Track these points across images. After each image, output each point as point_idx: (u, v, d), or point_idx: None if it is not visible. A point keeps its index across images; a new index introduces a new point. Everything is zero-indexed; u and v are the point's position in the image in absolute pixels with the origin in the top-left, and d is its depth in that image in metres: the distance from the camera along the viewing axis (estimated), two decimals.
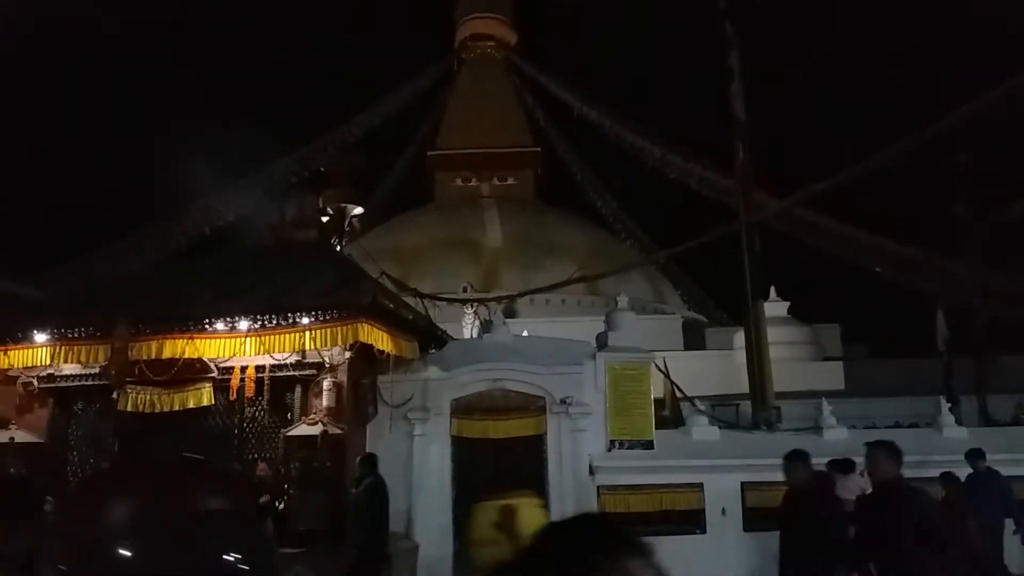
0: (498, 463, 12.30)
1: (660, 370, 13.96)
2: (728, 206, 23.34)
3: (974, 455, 10.60)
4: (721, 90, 15.91)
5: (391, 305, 12.31)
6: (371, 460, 10.98)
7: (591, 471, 12.10)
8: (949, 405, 13.53)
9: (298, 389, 12.51)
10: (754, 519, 11.88)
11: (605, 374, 12.46)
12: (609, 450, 12.29)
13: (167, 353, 11.89)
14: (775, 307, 23.16)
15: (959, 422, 13.34)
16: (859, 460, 11.85)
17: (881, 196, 29.12)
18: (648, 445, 12.35)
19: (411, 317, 12.89)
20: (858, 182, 14.30)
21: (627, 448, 12.26)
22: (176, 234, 25.53)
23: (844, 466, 9.82)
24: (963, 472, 10.45)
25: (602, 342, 12.95)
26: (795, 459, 7.22)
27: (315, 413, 12.40)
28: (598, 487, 11.95)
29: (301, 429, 12.26)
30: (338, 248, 15.20)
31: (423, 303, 14.78)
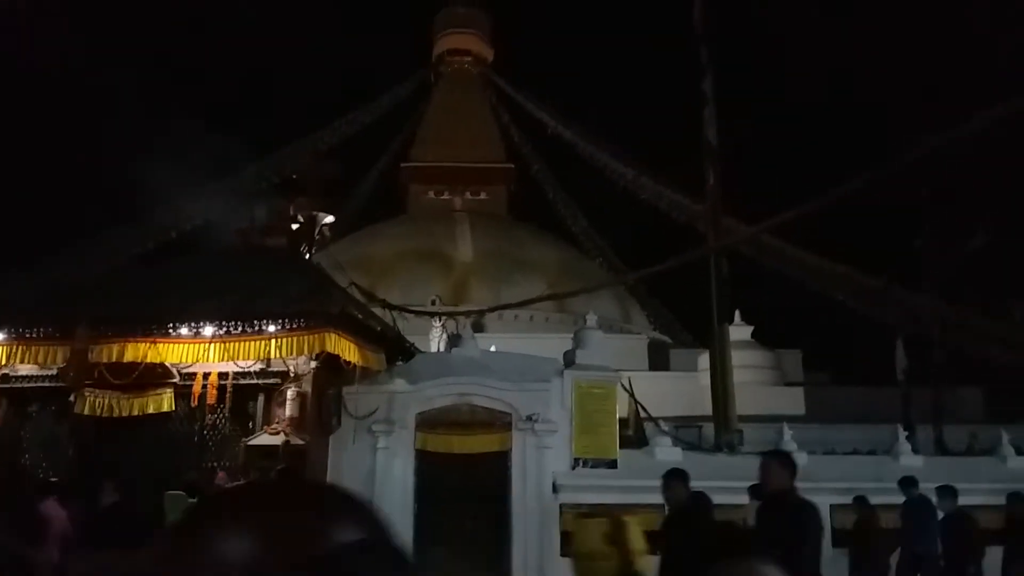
0: (462, 478, 12.25)
1: (626, 389, 14.04)
2: (697, 229, 23.69)
3: (907, 483, 10.66)
4: (695, 114, 16.21)
5: (359, 316, 12.25)
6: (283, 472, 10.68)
7: (555, 489, 12.10)
8: (906, 434, 13.80)
9: (261, 398, 12.37)
10: None
11: (572, 392, 12.49)
12: (573, 468, 12.30)
13: (129, 356, 11.70)
14: (739, 331, 23.41)
15: (915, 451, 13.60)
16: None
17: (847, 225, 29.77)
18: (612, 464, 12.39)
19: (379, 328, 12.84)
20: (825, 211, 14.60)
21: (591, 467, 12.29)
22: (142, 237, 25.13)
23: (757, 492, 9.80)
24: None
25: (570, 360, 13.00)
26: (674, 478, 6.92)
27: (277, 423, 12.26)
28: (561, 505, 11.93)
29: (263, 439, 12.11)
30: (307, 256, 15.11)
31: (392, 315, 14.71)
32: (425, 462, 12.55)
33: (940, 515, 10.25)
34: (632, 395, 14.38)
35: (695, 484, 12.43)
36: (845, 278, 22.75)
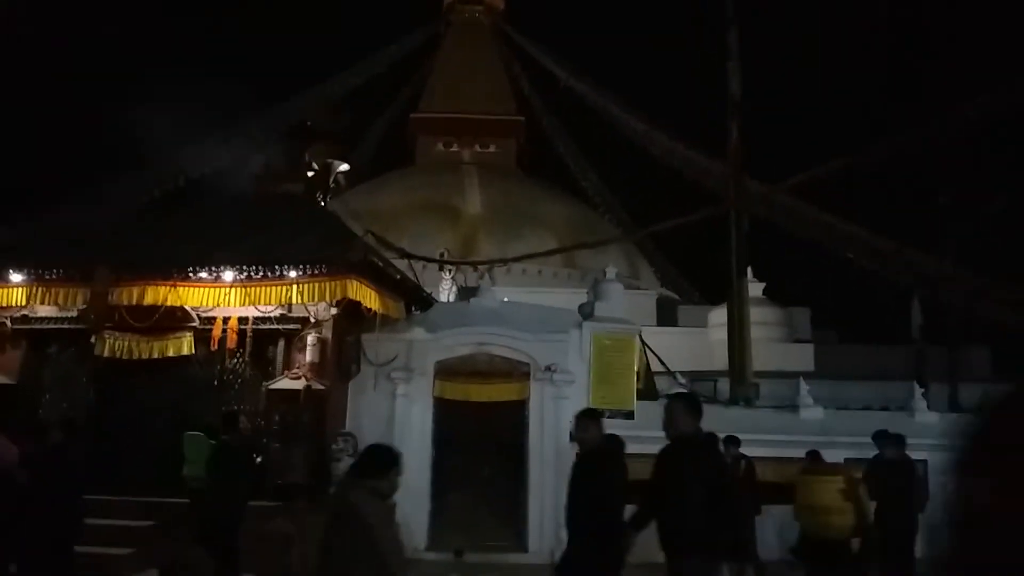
0: (480, 426, 12.35)
1: (643, 343, 14.07)
2: (709, 187, 23.51)
3: (880, 437, 10.42)
4: (718, 68, 15.93)
5: (380, 263, 12.21)
6: (228, 419, 9.95)
7: (571, 438, 12.18)
8: (923, 390, 13.88)
9: (281, 343, 12.40)
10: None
11: (590, 343, 12.51)
12: None
13: (149, 300, 11.69)
14: (751, 287, 23.36)
15: (930, 408, 13.68)
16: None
17: (868, 185, 29.49)
18: (629, 415, 12.47)
19: (399, 277, 12.80)
20: (846, 171, 14.50)
21: (608, 417, 12.34)
22: (157, 182, 24.93)
23: None
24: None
25: (588, 312, 13.00)
26: (587, 417, 6.71)
27: (298, 368, 12.31)
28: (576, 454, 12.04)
29: (283, 383, 12.18)
30: (324, 204, 15.01)
31: (411, 264, 14.67)
32: (443, 410, 12.66)
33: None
34: (649, 349, 14.42)
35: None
36: (859, 239, 22.62)
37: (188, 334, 12.38)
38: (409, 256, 15.19)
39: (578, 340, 12.62)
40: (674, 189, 28.80)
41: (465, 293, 17.18)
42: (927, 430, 12.02)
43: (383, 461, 4.19)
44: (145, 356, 12.35)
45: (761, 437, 11.86)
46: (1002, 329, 19.35)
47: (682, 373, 14.91)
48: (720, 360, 20.10)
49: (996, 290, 16.45)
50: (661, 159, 27.05)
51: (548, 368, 12.26)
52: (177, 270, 11.62)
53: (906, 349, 20.36)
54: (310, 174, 15.21)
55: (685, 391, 5.19)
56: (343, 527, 3.93)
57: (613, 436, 7.40)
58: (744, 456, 11.06)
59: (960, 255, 17.15)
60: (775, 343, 23.06)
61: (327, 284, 11.34)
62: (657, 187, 33.17)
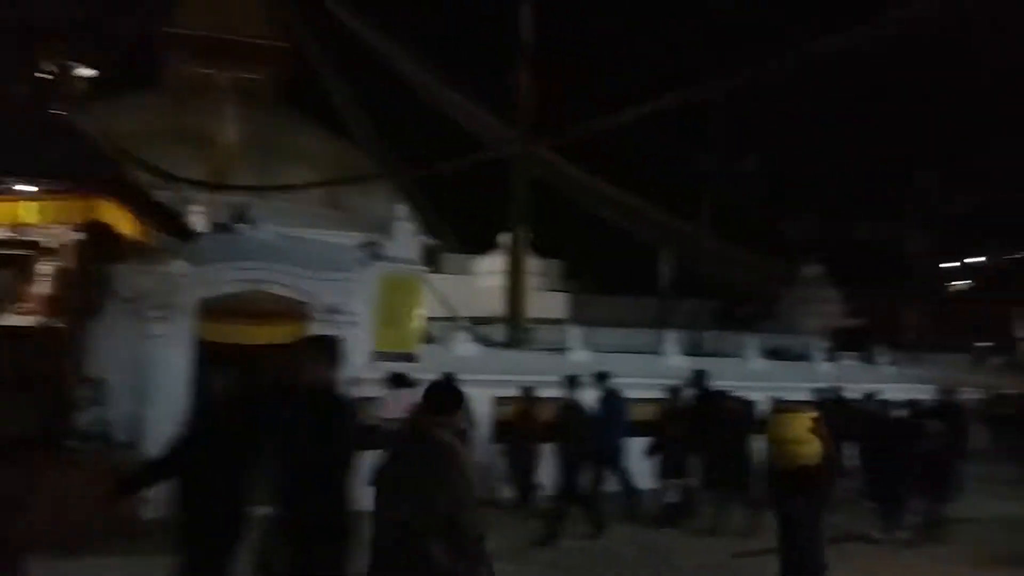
0: (250, 371, 11.44)
1: (430, 286, 13.94)
2: (479, 139, 23.80)
3: (601, 377, 11.52)
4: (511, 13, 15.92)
5: (138, 183, 10.75)
6: None
7: (351, 382, 11.79)
8: (676, 336, 15.35)
9: (8, 272, 10.51)
10: (502, 432, 12.51)
11: (376, 283, 12.10)
12: (372, 361, 12.04)
13: None
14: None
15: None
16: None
17: (633, 145, 31.40)
18: (410, 358, 12.31)
19: (159, 201, 11.38)
20: (613, 130, 15.31)
21: (391, 360, 12.11)
22: None
23: (399, 381, 10.48)
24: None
25: (375, 251, 12.54)
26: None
27: (28, 302, 10.55)
28: (358, 398, 11.70)
29: (10, 320, 10.38)
30: (62, 113, 12.83)
31: (173, 189, 13.11)
32: (207, 353, 11.57)
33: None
34: (435, 292, 14.32)
35: (492, 379, 12.92)
36: (610, 197, 24.30)
37: None
38: (171, 178, 13.57)
39: (363, 279, 12.14)
40: (446, 134, 28.68)
41: (219, 228, 15.81)
42: (678, 371, 13.30)
43: (454, 398, 4.15)
44: None
45: (536, 378, 12.35)
46: (726, 284, 22.03)
47: (446, 319, 15.03)
48: (486, 306, 20.67)
49: (728, 251, 18.66)
50: (438, 106, 26.80)
51: (331, 308, 11.65)
52: None
53: (647, 300, 22.49)
54: (42, 76, 12.91)
55: (323, 333, 5.05)
56: (440, 467, 3.75)
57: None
58: None
59: (714, 215, 19.08)
60: (535, 292, 24.20)
61: (71, 203, 9.73)
62: (429, 130, 32.81)
